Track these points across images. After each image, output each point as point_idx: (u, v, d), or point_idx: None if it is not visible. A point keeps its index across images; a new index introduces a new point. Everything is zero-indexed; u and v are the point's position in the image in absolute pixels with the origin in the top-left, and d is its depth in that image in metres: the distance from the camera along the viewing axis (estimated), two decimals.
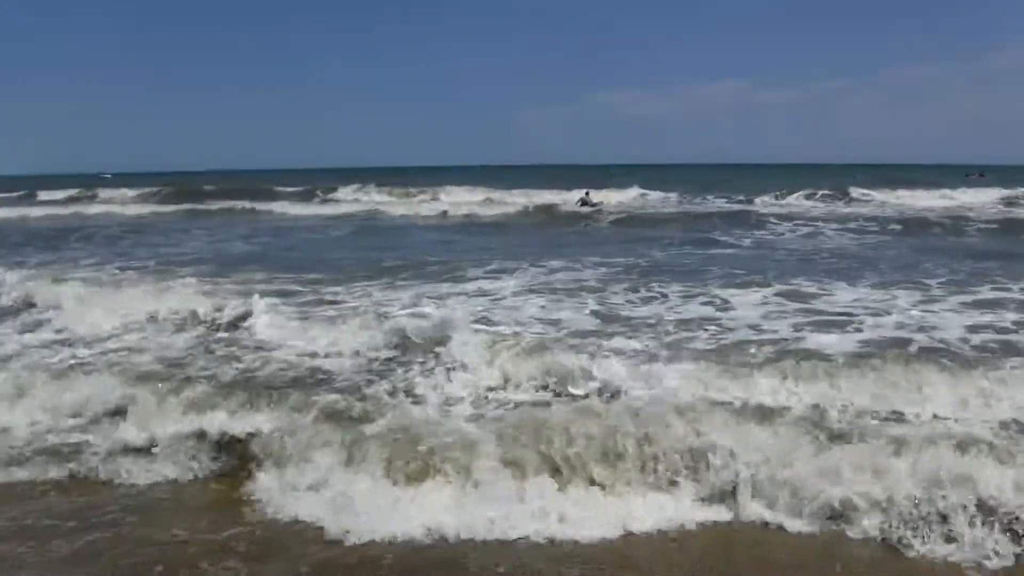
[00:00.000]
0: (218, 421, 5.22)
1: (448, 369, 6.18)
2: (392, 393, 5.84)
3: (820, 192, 30.82)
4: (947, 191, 28.99)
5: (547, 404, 5.50)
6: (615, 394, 5.57)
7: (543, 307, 8.74)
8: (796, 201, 29.64)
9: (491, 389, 5.88)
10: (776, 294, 9.30)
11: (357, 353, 6.94)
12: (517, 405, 5.54)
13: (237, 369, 6.68)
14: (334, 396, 5.57)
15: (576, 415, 4.81)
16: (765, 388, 5.55)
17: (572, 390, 5.74)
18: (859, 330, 7.36)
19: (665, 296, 9.35)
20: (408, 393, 5.86)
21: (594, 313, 8.39)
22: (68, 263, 14.29)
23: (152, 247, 17.32)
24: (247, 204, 30.59)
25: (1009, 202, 27.32)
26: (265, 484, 4.66)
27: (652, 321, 7.90)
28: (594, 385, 5.75)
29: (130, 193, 40.19)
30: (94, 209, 32.74)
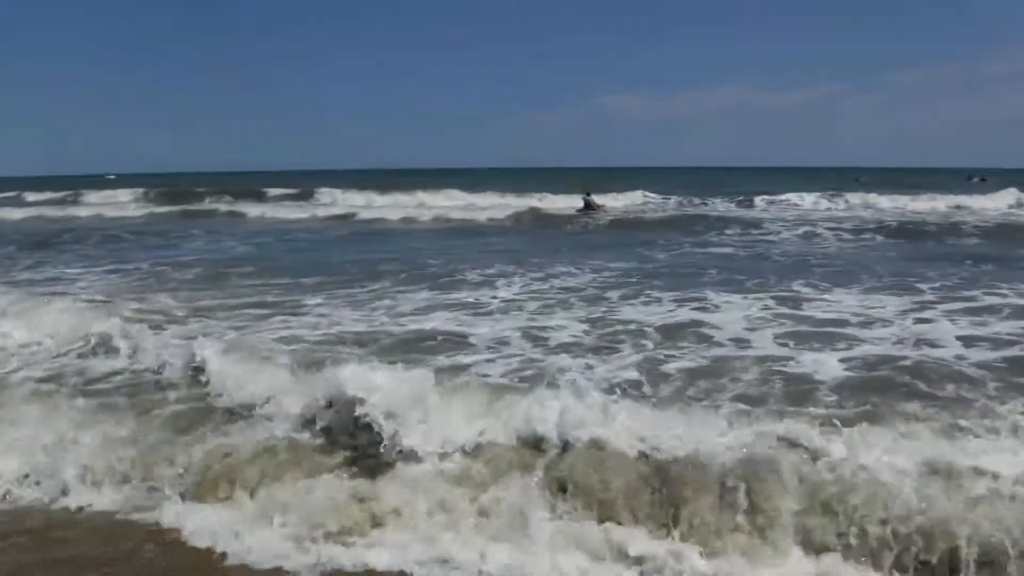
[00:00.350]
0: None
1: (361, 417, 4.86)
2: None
3: (820, 195, 30.77)
4: (950, 195, 28.80)
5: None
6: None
7: (530, 319, 8.43)
8: (796, 204, 29.64)
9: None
10: (773, 298, 9.24)
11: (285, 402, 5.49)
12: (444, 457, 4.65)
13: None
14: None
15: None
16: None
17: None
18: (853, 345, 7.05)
19: (660, 301, 9.29)
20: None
21: (586, 321, 8.18)
22: (61, 265, 14.25)
23: (151, 249, 17.24)
24: (244, 207, 30.57)
25: (1019, 203, 27.17)
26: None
27: (645, 328, 7.75)
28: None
29: (123, 197, 40.20)
30: (89, 211, 32.77)
